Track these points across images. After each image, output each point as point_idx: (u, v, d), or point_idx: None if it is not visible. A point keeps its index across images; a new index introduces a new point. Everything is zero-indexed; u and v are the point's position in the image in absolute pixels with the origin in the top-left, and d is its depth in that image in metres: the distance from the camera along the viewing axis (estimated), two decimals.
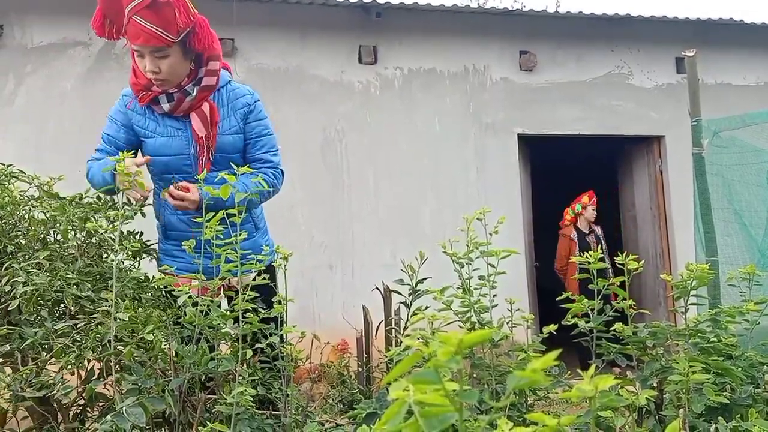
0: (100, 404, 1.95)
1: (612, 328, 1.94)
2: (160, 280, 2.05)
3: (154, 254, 2.35)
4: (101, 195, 2.21)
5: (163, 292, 2.18)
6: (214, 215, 1.89)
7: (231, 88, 2.38)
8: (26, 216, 2.16)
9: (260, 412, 1.94)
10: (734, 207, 3.79)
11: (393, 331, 2.78)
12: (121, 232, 2.02)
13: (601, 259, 2.05)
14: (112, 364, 1.79)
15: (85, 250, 2.10)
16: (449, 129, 6.21)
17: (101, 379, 1.84)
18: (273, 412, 2.02)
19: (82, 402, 2.02)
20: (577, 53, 6.61)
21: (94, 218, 2.03)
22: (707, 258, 3.03)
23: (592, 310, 1.96)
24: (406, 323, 2.21)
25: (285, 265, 2.04)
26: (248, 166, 2.10)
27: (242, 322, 1.89)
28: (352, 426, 1.95)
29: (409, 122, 6.14)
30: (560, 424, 0.74)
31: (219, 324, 1.88)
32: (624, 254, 1.95)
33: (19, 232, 2.15)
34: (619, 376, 1.70)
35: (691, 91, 3.20)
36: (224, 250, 1.89)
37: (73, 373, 1.91)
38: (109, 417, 1.57)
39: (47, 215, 2.12)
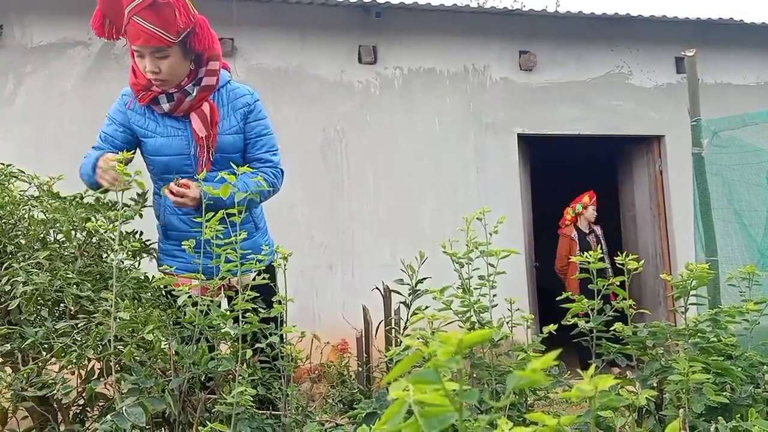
0: (100, 404, 1.95)
1: (612, 328, 1.93)
2: (160, 279, 2.05)
3: (154, 254, 2.35)
4: (100, 196, 2.21)
5: (163, 292, 2.18)
6: (214, 215, 1.89)
7: (231, 88, 2.38)
8: (26, 216, 2.16)
9: (260, 412, 1.94)
10: (734, 207, 3.79)
11: (393, 331, 2.77)
12: (121, 232, 2.02)
13: (601, 259, 2.05)
14: (112, 363, 1.79)
15: (85, 250, 2.10)
16: (449, 129, 6.21)
17: (101, 379, 1.84)
18: (273, 412, 2.02)
19: (82, 402, 2.02)
20: (577, 53, 6.61)
21: (95, 218, 2.03)
22: (707, 258, 3.03)
23: (592, 309, 1.95)
24: (405, 323, 2.21)
25: (285, 265, 2.04)
26: (248, 166, 2.10)
27: (242, 322, 1.89)
28: (352, 426, 1.95)
29: (409, 122, 6.14)
30: (560, 424, 0.74)
31: (219, 324, 1.88)
32: (624, 254, 1.95)
33: (19, 232, 2.14)
34: (619, 376, 1.70)
35: (691, 91, 3.20)
36: (224, 250, 1.89)
37: (73, 373, 1.91)
38: (109, 417, 1.57)
39: (47, 215, 2.12)
